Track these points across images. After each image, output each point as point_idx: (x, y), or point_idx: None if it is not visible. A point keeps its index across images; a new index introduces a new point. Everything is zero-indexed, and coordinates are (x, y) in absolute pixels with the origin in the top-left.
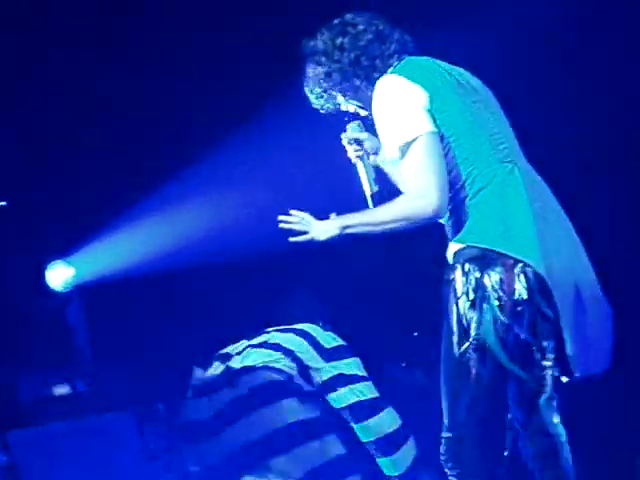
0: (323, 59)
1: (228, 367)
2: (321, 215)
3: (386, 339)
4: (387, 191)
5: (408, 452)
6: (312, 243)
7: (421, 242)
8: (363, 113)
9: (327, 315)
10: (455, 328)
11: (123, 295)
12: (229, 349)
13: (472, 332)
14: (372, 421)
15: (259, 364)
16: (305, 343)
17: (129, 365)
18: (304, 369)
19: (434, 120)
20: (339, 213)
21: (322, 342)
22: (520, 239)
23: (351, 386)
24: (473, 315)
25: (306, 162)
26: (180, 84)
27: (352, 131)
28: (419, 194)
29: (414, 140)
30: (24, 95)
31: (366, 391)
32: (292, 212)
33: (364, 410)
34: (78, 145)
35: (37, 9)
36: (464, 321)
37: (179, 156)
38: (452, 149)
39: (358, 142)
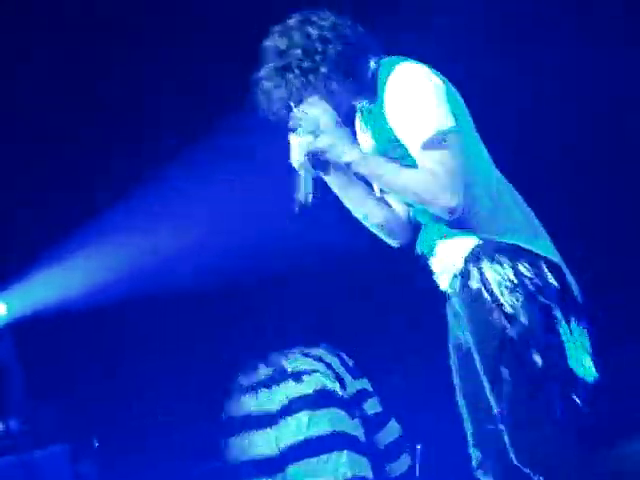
0: (300, 54)
1: (282, 366)
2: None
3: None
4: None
5: (404, 460)
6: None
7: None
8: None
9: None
10: (495, 314)
11: (56, 330)
12: (277, 358)
13: (518, 314)
14: (383, 431)
15: (308, 369)
16: (337, 360)
17: (63, 402)
18: (341, 382)
19: (454, 115)
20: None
21: (347, 361)
22: (541, 240)
23: (369, 400)
24: (517, 298)
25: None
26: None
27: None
28: (446, 187)
29: (442, 133)
30: None
31: (377, 405)
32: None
33: (378, 420)
34: (8, 175)
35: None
36: (506, 306)
37: (117, 183)
38: (467, 147)
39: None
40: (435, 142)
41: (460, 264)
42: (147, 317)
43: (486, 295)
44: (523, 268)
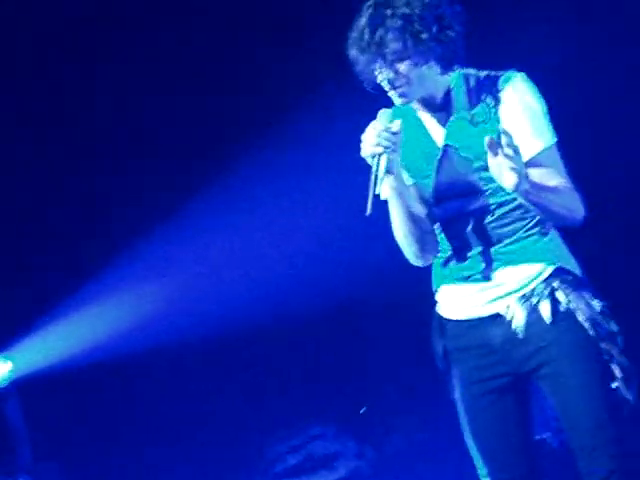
0: (427, 14)
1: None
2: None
3: None
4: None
5: None
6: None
7: None
8: (400, 101)
9: None
10: (592, 333)
11: (62, 388)
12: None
13: (611, 334)
14: None
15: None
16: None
17: (69, 460)
18: None
19: None
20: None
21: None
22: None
23: None
24: (606, 322)
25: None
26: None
27: (386, 119)
28: (579, 198)
29: (557, 146)
30: None
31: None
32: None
33: None
34: (14, 236)
35: None
36: (597, 328)
37: (114, 241)
38: None
39: (392, 133)
40: (555, 154)
41: (536, 287)
42: (155, 374)
43: (580, 317)
44: (590, 298)
